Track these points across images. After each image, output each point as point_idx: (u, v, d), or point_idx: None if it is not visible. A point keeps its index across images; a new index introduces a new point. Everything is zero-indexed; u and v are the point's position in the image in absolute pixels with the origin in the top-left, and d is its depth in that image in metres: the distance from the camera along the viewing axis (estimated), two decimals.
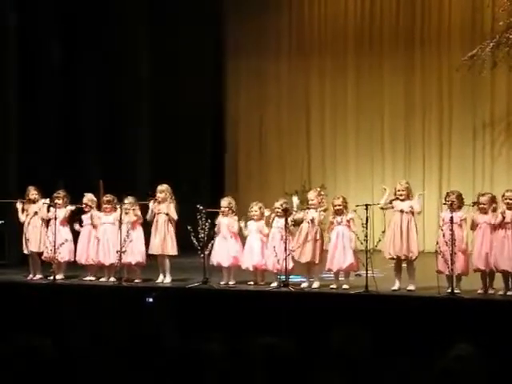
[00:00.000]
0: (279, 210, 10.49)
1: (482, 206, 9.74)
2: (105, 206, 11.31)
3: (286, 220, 10.35)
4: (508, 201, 9.66)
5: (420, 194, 10.47)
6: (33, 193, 11.51)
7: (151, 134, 15.52)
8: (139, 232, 11.10)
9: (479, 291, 9.65)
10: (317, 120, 16.65)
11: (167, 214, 10.95)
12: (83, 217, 11.46)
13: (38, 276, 11.43)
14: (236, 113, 17.04)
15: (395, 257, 10.05)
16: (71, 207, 11.43)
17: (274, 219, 10.60)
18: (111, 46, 15.00)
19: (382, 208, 10.27)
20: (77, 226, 11.49)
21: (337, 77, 16.44)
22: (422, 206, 10.32)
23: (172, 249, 11.00)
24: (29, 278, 11.43)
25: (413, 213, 10.09)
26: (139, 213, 11.08)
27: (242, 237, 10.98)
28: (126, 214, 11.01)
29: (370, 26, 16.21)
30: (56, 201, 11.33)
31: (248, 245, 10.82)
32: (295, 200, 10.82)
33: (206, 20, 16.17)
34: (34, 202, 11.49)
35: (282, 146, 16.78)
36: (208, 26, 16.25)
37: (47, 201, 11.39)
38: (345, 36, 16.34)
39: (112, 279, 11.10)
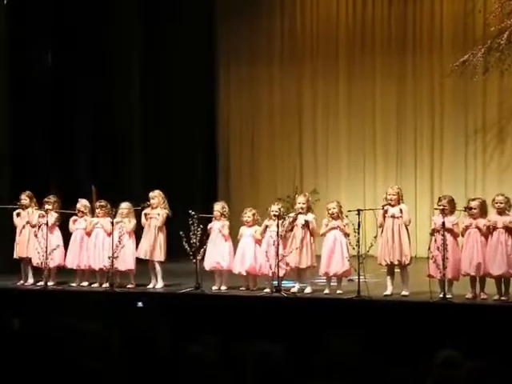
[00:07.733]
0: (275, 214, 10.47)
1: (472, 210, 9.76)
2: (98, 210, 11.30)
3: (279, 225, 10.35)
4: (498, 205, 9.68)
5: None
6: (23, 198, 11.45)
7: (143, 141, 15.51)
8: (132, 239, 11.07)
9: (467, 296, 9.65)
10: (309, 125, 16.66)
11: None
12: (76, 221, 11.41)
13: (30, 281, 11.40)
14: (228, 118, 17.05)
15: (389, 262, 10.05)
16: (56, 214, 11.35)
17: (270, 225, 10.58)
18: (105, 46, 14.99)
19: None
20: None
21: (329, 82, 16.46)
22: (409, 216, 10.28)
23: (159, 255, 10.97)
24: (19, 284, 11.40)
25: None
26: (134, 221, 11.08)
27: (234, 242, 10.98)
28: (122, 219, 11.01)
29: (361, 32, 16.23)
30: (46, 206, 11.26)
31: (240, 249, 10.82)
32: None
33: (197, 25, 16.16)
34: (25, 207, 11.46)
35: (274, 151, 16.79)
36: (200, 31, 16.24)
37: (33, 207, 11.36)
38: (337, 41, 16.37)
39: (104, 285, 11.06)
